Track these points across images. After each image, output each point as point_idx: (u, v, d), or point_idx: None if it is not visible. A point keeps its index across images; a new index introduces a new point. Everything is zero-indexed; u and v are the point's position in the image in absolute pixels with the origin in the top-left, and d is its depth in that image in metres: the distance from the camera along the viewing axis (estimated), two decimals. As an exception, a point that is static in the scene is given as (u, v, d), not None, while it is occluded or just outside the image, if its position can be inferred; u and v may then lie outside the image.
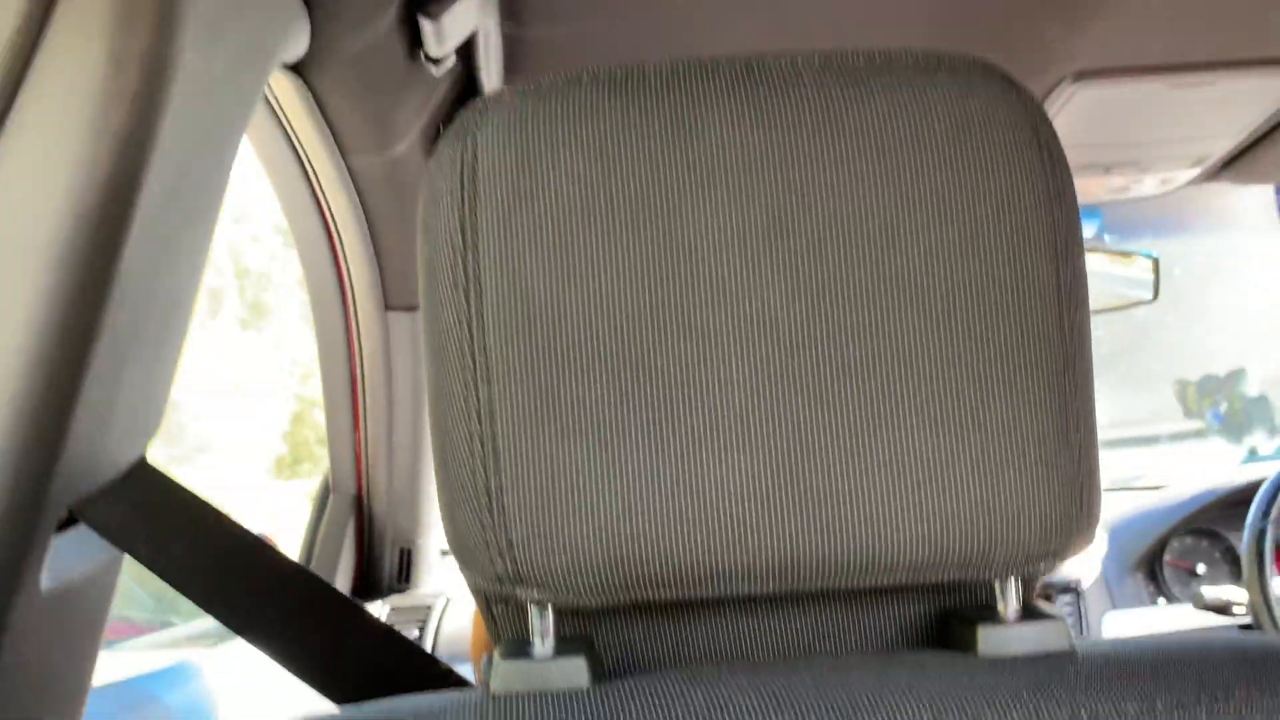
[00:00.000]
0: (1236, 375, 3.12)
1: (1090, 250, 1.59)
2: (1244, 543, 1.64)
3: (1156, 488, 2.17)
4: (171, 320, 0.56)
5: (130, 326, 0.51)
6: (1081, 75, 1.00)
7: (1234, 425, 3.09)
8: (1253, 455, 3.02)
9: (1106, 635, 1.87)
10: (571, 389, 0.42)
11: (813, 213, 0.42)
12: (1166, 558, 2.02)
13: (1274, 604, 1.58)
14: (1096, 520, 0.44)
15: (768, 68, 0.44)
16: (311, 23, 0.65)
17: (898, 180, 0.43)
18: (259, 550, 0.59)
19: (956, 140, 0.43)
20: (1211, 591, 1.67)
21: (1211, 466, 2.68)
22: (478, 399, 0.42)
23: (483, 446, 0.42)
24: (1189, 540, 2.03)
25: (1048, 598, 1.92)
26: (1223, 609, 1.65)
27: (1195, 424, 3.19)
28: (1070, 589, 1.91)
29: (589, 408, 0.42)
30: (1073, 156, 1.27)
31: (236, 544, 0.58)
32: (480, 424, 0.42)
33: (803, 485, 0.42)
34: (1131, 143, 1.18)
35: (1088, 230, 1.61)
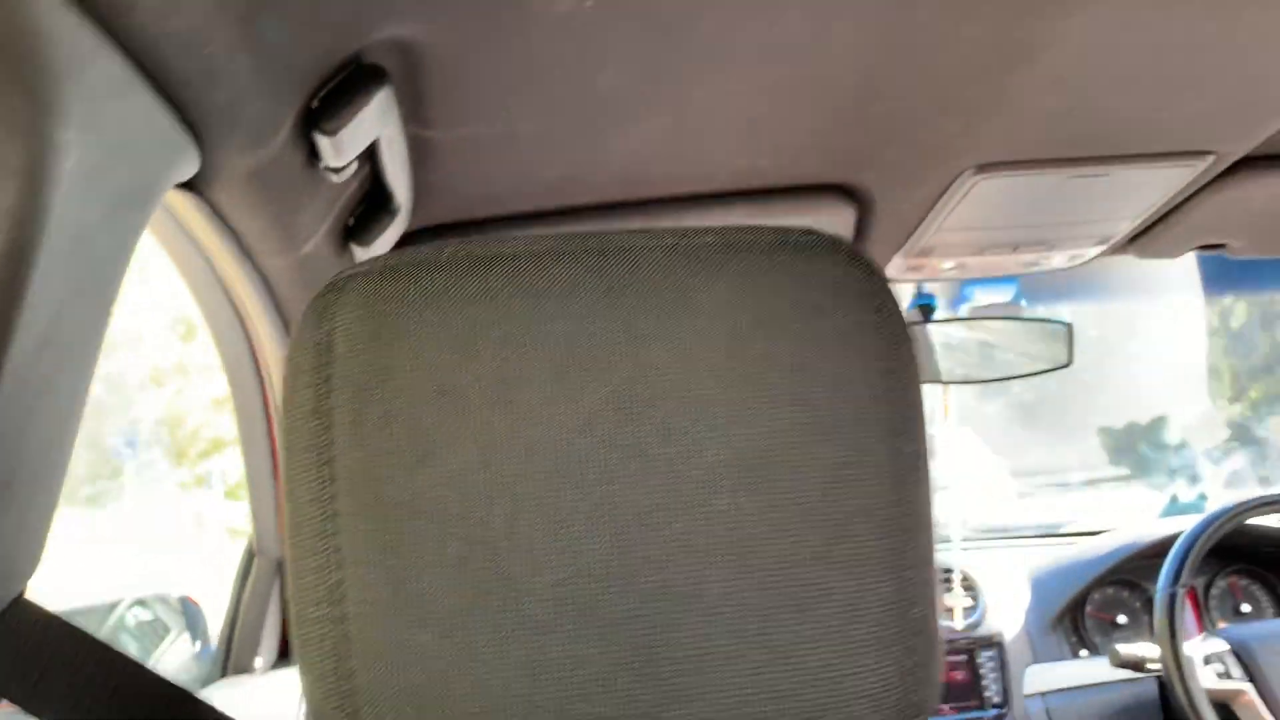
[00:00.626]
0: (1158, 423, 3.19)
1: (1006, 318, 1.63)
2: (1156, 606, 1.68)
3: (1090, 533, 2.21)
4: (48, 463, 0.56)
5: (2, 478, 0.51)
6: (982, 168, 1.03)
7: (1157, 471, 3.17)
8: (1174, 503, 3.09)
9: (1028, 689, 1.90)
10: (423, 576, 0.42)
11: (661, 396, 0.43)
12: (1088, 609, 2.06)
13: (1184, 664, 1.62)
14: (937, 692, 0.45)
15: (620, 247, 0.44)
16: (200, 146, 0.65)
17: (743, 362, 0.43)
18: (145, 679, 0.59)
19: (801, 321, 0.44)
20: (1126, 648, 1.70)
21: (1133, 514, 2.75)
22: (330, 581, 0.42)
23: (334, 629, 0.42)
24: (1110, 591, 2.07)
25: (971, 650, 1.94)
26: (1137, 665, 1.69)
27: (1121, 470, 3.26)
28: (993, 643, 1.94)
29: (440, 594, 0.42)
30: (978, 238, 1.31)
31: (121, 675, 0.57)
32: (332, 607, 0.42)
33: (650, 667, 0.42)
34: (1035, 225, 1.21)
35: (1005, 296, 1.65)
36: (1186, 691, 1.60)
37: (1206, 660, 1.66)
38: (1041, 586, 2.05)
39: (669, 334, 0.43)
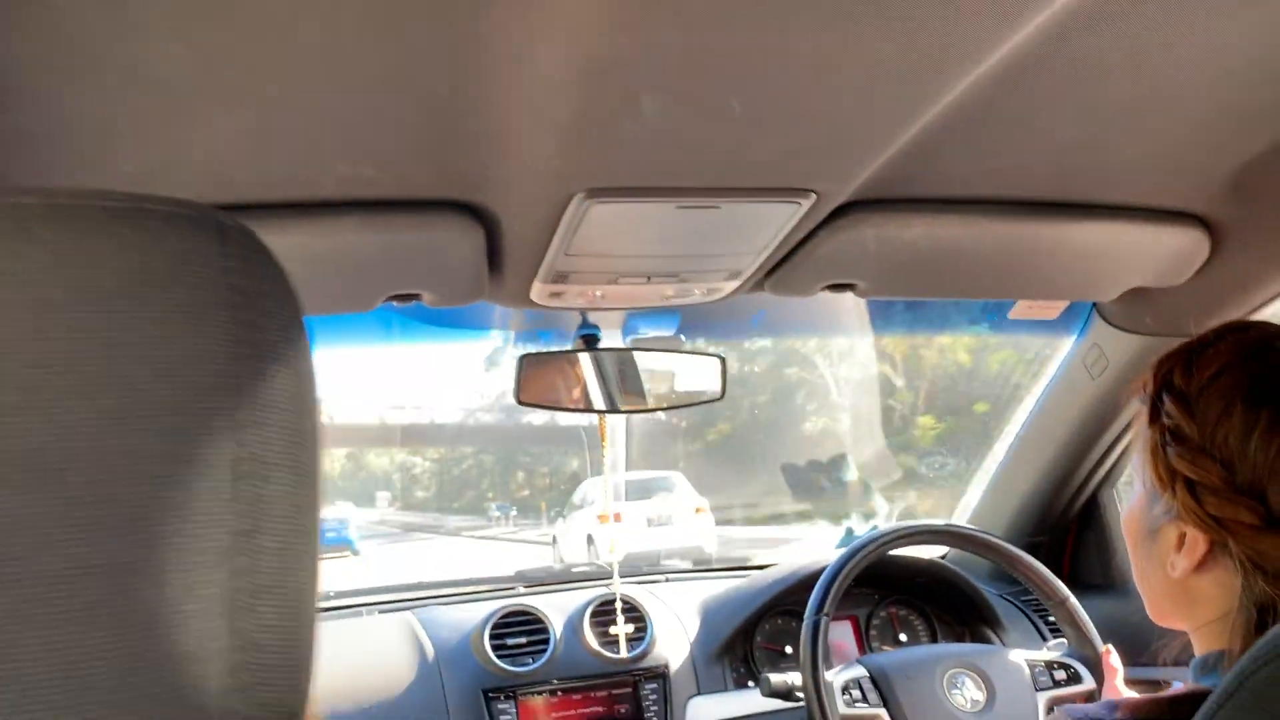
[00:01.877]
0: (838, 460, 3.37)
1: (666, 349, 1.65)
2: (802, 634, 1.73)
3: (764, 567, 2.26)
4: None
5: None
6: (593, 192, 1.03)
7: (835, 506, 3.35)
8: (849, 535, 3.26)
9: (690, 720, 1.92)
10: None
11: None
12: (758, 639, 2.11)
13: (822, 691, 1.67)
14: (298, 698, 0.41)
15: None
16: None
17: (49, 339, 0.38)
18: None
19: (130, 295, 0.39)
20: (777, 677, 1.74)
21: (814, 546, 2.87)
22: None
23: None
24: (779, 621, 2.13)
25: (635, 682, 1.94)
26: (787, 694, 1.73)
27: (802, 505, 3.41)
28: (658, 674, 1.95)
29: None
30: (608, 265, 1.30)
31: None
32: None
33: None
34: (661, 255, 1.22)
35: (667, 329, 1.67)
36: (822, 716, 1.65)
37: (845, 687, 1.72)
38: (710, 617, 2.09)
39: None
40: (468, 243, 1.16)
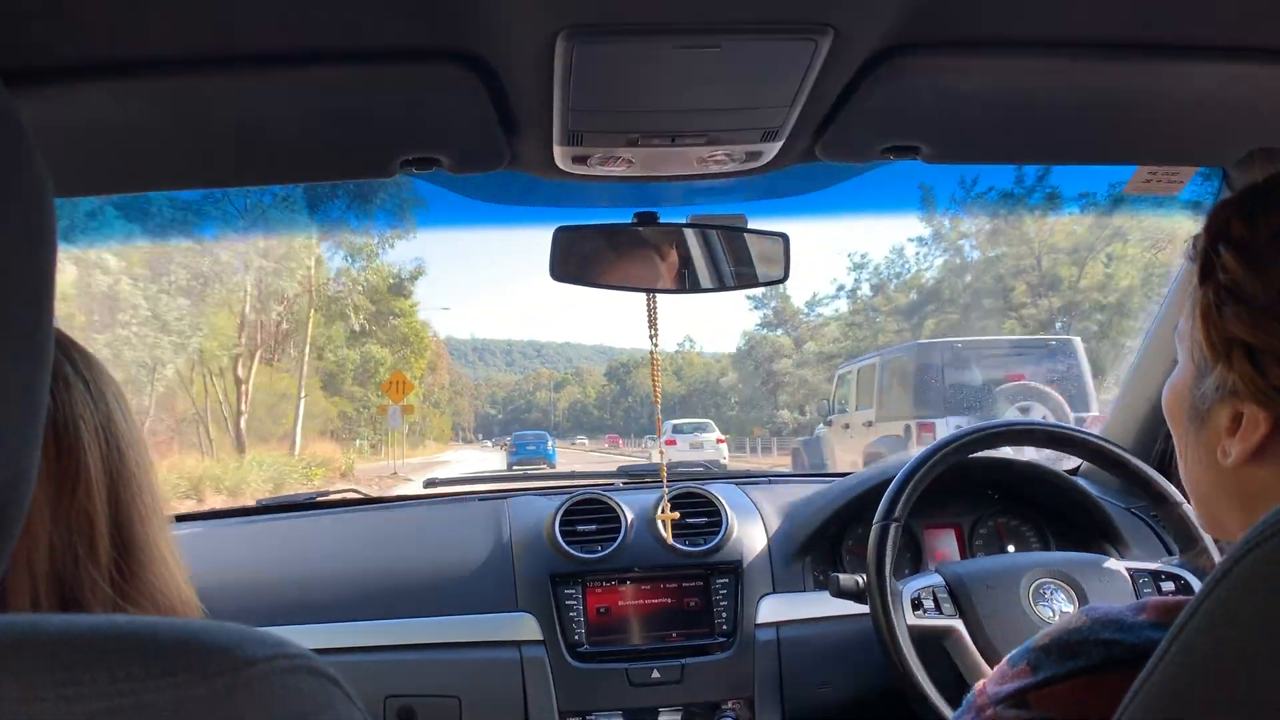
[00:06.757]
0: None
1: (728, 227, 1.53)
2: (870, 539, 1.63)
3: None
4: None
5: None
6: (576, 30, 0.93)
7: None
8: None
9: (761, 619, 1.84)
10: None
11: None
12: (848, 542, 2.00)
13: (887, 598, 1.56)
14: None
15: None
16: None
17: None
18: None
19: None
20: (846, 578, 1.65)
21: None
22: None
23: None
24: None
25: (706, 576, 1.87)
26: (857, 596, 1.64)
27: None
28: (729, 570, 1.88)
29: None
30: (622, 123, 1.19)
31: None
32: None
33: None
34: (675, 110, 1.11)
35: (735, 209, 1.56)
36: (886, 625, 1.55)
37: (917, 597, 1.60)
38: (792, 517, 1.99)
39: None
40: (469, 98, 1.09)
